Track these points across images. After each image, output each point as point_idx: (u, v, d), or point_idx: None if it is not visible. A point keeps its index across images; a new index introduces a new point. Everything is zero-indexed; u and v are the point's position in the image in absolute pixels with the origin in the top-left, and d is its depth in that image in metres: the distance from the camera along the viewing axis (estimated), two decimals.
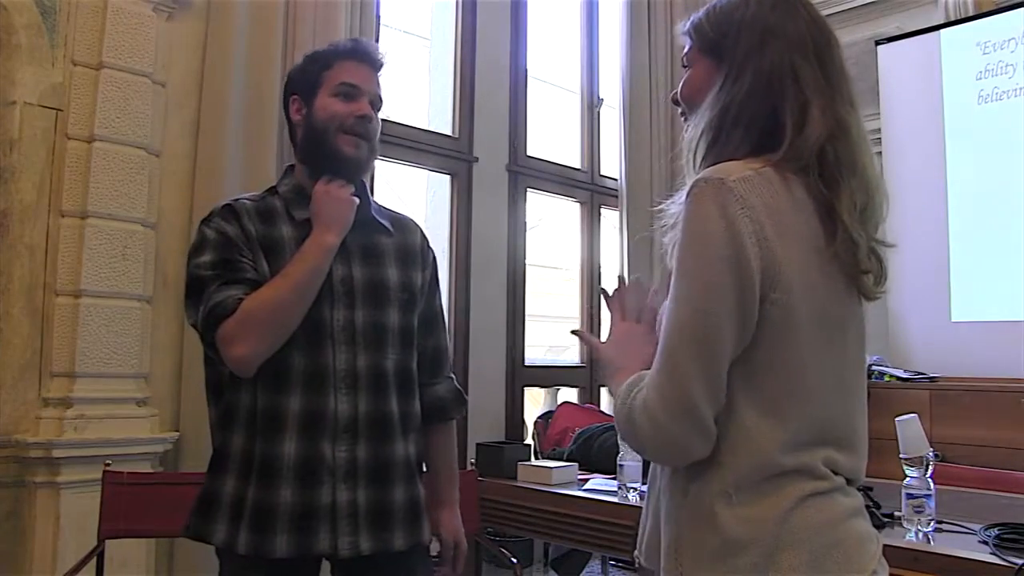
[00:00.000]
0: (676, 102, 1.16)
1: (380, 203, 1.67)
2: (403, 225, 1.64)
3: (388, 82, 1.59)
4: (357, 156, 1.52)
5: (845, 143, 1.02)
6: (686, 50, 1.14)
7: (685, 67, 1.15)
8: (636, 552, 1.14)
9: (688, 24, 1.14)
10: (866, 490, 1.92)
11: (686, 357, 0.94)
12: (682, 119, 1.17)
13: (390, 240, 1.58)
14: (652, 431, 0.96)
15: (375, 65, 1.57)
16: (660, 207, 1.07)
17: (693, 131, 1.08)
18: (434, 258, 1.69)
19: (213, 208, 1.52)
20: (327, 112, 1.51)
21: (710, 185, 0.96)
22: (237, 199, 1.54)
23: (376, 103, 1.56)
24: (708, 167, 1.01)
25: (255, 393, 1.44)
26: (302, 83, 1.55)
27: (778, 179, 0.99)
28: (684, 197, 0.99)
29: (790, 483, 0.97)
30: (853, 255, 1.00)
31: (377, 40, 3.53)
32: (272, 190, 1.58)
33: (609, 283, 4.61)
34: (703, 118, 1.06)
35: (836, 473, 1.00)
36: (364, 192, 1.59)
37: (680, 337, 0.95)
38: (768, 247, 0.95)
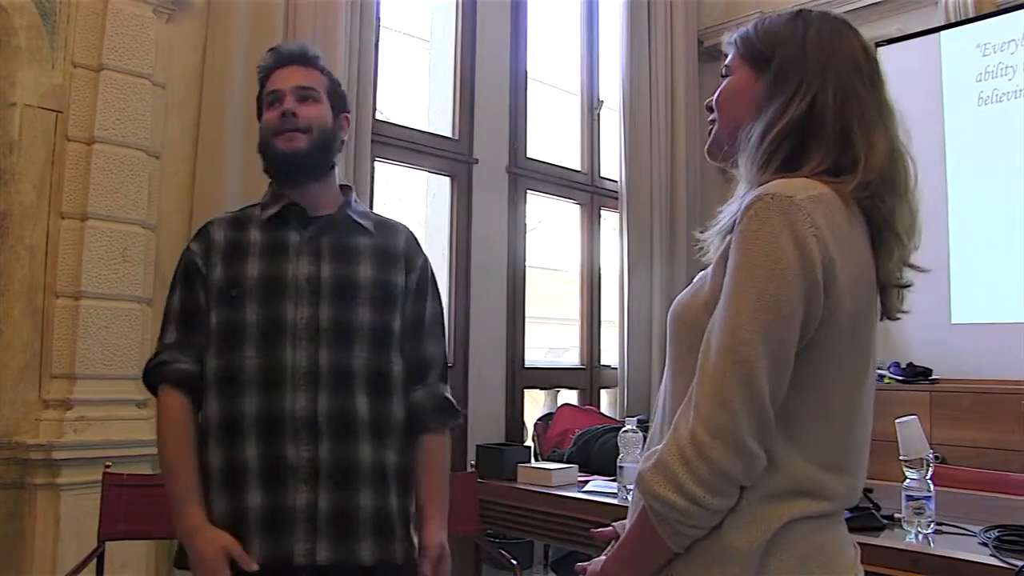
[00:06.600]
0: (710, 109, 1.15)
1: (369, 210, 1.68)
2: (388, 228, 1.63)
3: (317, 74, 1.62)
4: (295, 148, 1.53)
5: (898, 167, 1.04)
6: (728, 59, 1.14)
7: (724, 76, 1.14)
8: None
9: (735, 35, 1.13)
10: (865, 492, 1.92)
11: (758, 366, 0.91)
12: (709, 126, 1.15)
13: (368, 240, 1.58)
14: (727, 455, 0.90)
15: (295, 61, 1.60)
16: (719, 209, 1.06)
17: (755, 140, 1.04)
18: (424, 264, 1.64)
19: None
20: (263, 125, 1.58)
21: (776, 202, 0.95)
22: (225, 213, 1.65)
23: (300, 91, 1.56)
24: (769, 177, 1.01)
25: (214, 401, 1.46)
26: (258, 106, 1.63)
27: (840, 203, 0.98)
28: (743, 209, 0.97)
29: (798, 502, 0.97)
30: (896, 273, 1.04)
31: (377, 41, 3.53)
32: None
33: (609, 284, 4.61)
34: (763, 128, 1.04)
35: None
36: (348, 192, 1.62)
37: (746, 349, 0.91)
38: (831, 267, 0.94)
